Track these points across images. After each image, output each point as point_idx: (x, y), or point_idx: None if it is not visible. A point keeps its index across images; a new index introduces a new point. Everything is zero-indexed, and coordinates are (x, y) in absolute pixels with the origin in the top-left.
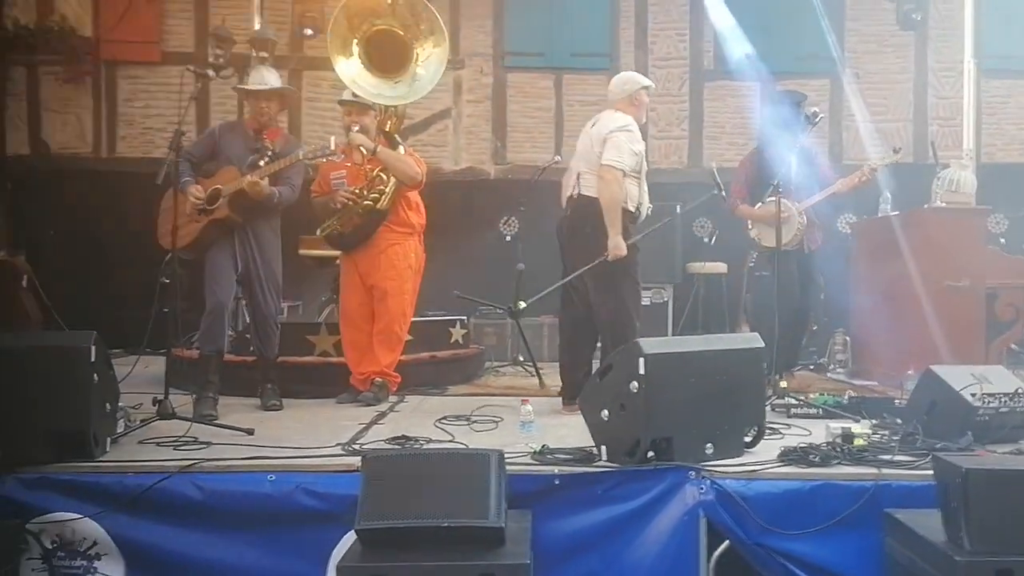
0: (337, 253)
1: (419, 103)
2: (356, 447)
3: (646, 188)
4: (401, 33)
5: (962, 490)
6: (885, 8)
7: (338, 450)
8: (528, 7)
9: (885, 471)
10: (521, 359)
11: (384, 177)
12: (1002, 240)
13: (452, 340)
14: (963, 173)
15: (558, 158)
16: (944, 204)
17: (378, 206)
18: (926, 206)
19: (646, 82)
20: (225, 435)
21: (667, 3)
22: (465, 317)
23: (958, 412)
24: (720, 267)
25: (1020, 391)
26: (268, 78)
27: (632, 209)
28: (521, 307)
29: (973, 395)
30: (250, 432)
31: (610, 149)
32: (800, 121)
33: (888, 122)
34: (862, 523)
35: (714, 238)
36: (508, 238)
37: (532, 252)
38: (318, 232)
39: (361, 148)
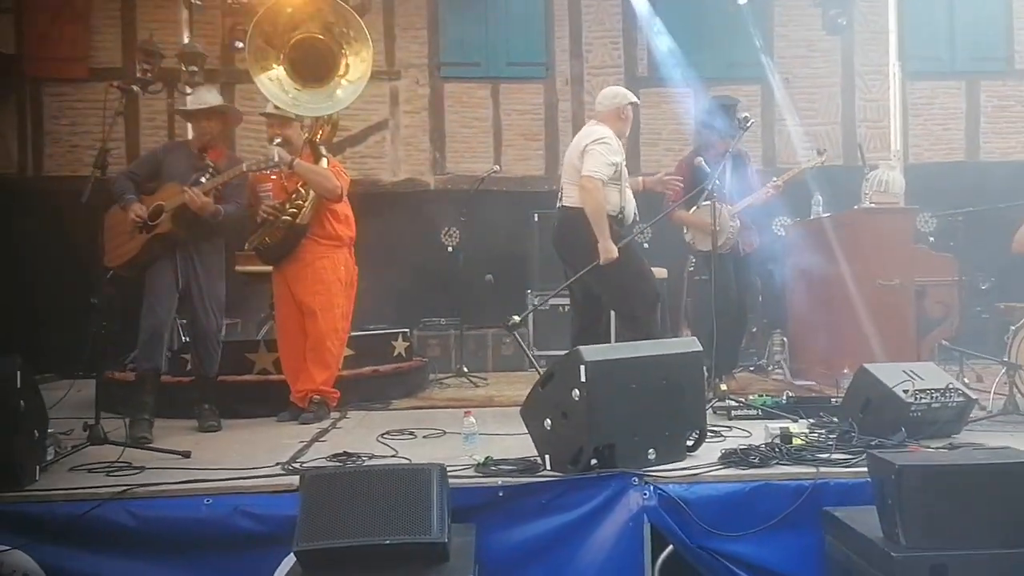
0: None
1: (356, 115)
2: (296, 466)
3: (629, 194)
4: (323, 38)
5: (896, 486)
6: (811, 14)
7: (277, 470)
8: (463, 17)
9: (823, 470)
10: (466, 370)
11: (303, 191)
12: (931, 238)
13: (395, 353)
14: (891, 174)
15: (496, 167)
16: (873, 204)
17: (297, 220)
18: (856, 207)
19: (633, 98)
20: (160, 459)
21: (600, 12)
22: (408, 330)
23: (892, 409)
24: (660, 272)
25: (951, 387)
26: (207, 97)
27: (615, 214)
28: (516, 321)
29: (905, 392)
30: (186, 455)
31: (588, 160)
32: (733, 126)
33: (818, 125)
34: (802, 522)
35: (649, 242)
36: (450, 248)
37: (474, 262)
38: (246, 246)
39: (279, 162)
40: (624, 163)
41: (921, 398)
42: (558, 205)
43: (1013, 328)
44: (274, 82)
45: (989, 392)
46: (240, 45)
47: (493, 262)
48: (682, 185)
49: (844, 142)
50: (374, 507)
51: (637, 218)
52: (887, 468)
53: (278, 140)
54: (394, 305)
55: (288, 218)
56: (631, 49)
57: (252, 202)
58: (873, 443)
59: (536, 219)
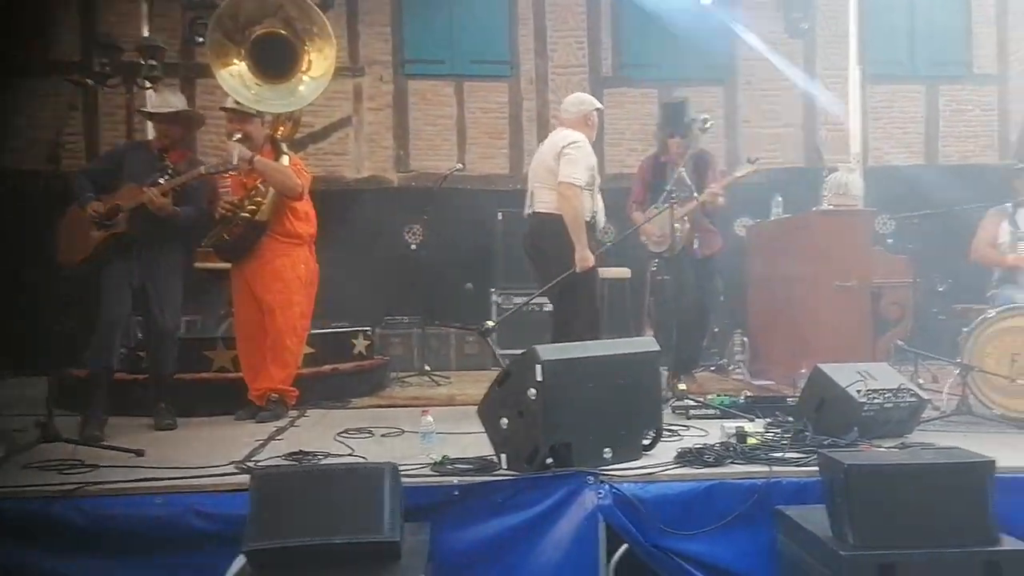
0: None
1: (318, 111)
2: (250, 465)
3: (600, 200)
4: (285, 33)
5: (845, 486)
6: (774, 16)
7: (231, 468)
8: (427, 15)
9: (776, 469)
10: (428, 368)
11: (262, 188)
12: (889, 240)
13: (355, 351)
14: (851, 176)
15: (459, 165)
16: (832, 206)
17: (256, 217)
18: (815, 209)
19: (598, 104)
20: (113, 457)
21: (564, 11)
22: (370, 328)
23: (845, 409)
24: (624, 272)
25: (903, 387)
26: (171, 100)
27: (588, 219)
28: (489, 326)
29: (859, 392)
30: (140, 453)
31: (566, 165)
32: (684, 126)
33: (780, 127)
34: (754, 520)
35: (608, 243)
36: (413, 246)
37: (437, 260)
38: (204, 242)
39: (239, 158)
40: (596, 170)
41: (874, 398)
42: (529, 211)
43: (966, 330)
44: (235, 77)
45: (943, 392)
46: (201, 40)
47: (457, 260)
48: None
49: (805, 144)
50: (325, 506)
51: (607, 225)
52: (837, 468)
53: (238, 136)
54: (356, 303)
55: (247, 215)
56: (596, 49)
57: (210, 198)
58: (826, 442)
59: (500, 218)
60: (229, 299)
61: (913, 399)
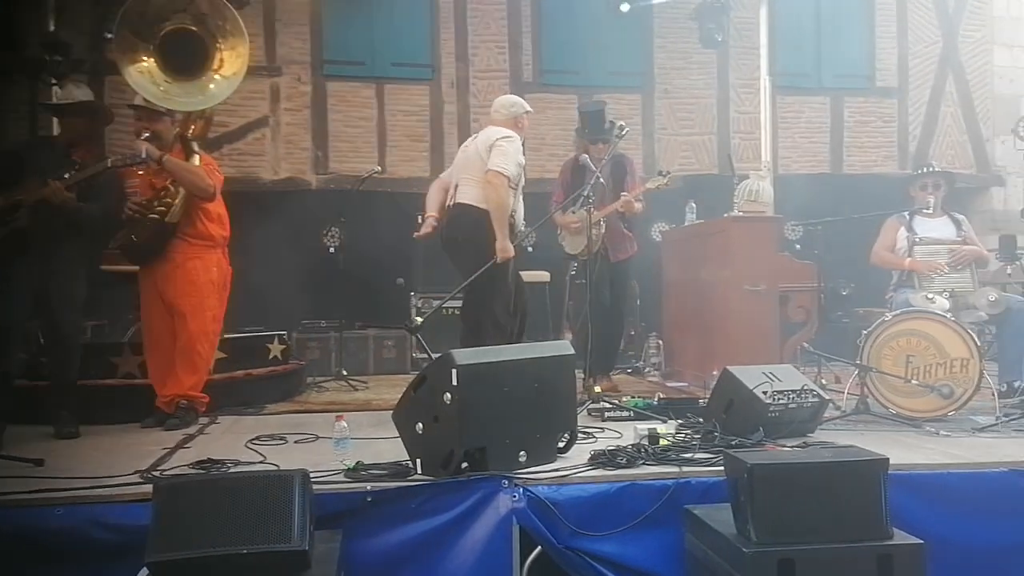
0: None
1: (234, 110)
2: (156, 474)
3: (521, 201)
4: (195, 30)
5: (748, 484)
6: (689, 27)
7: (136, 478)
8: (347, 16)
9: (686, 469)
10: (345, 373)
11: (172, 188)
12: (797, 246)
13: (270, 356)
14: (761, 183)
15: (378, 168)
16: (743, 213)
17: (166, 219)
18: (727, 215)
19: (528, 107)
20: (10, 467)
21: (486, 16)
22: (285, 332)
23: (752, 410)
24: (543, 275)
25: (806, 388)
26: (75, 93)
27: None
28: (418, 322)
29: (764, 393)
30: (39, 462)
31: (497, 155)
32: (601, 131)
33: (695, 135)
34: (664, 520)
35: (533, 247)
36: (331, 249)
37: (356, 264)
38: (111, 244)
39: (146, 157)
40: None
41: (779, 399)
42: (451, 202)
43: (865, 332)
44: (144, 75)
45: (844, 393)
46: (110, 35)
47: (376, 264)
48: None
49: (719, 152)
50: (232, 515)
51: (528, 230)
52: (740, 467)
53: (146, 135)
54: (273, 307)
55: (156, 216)
56: (516, 54)
57: (117, 198)
58: (733, 443)
59: (420, 221)
60: (137, 303)
61: (815, 399)
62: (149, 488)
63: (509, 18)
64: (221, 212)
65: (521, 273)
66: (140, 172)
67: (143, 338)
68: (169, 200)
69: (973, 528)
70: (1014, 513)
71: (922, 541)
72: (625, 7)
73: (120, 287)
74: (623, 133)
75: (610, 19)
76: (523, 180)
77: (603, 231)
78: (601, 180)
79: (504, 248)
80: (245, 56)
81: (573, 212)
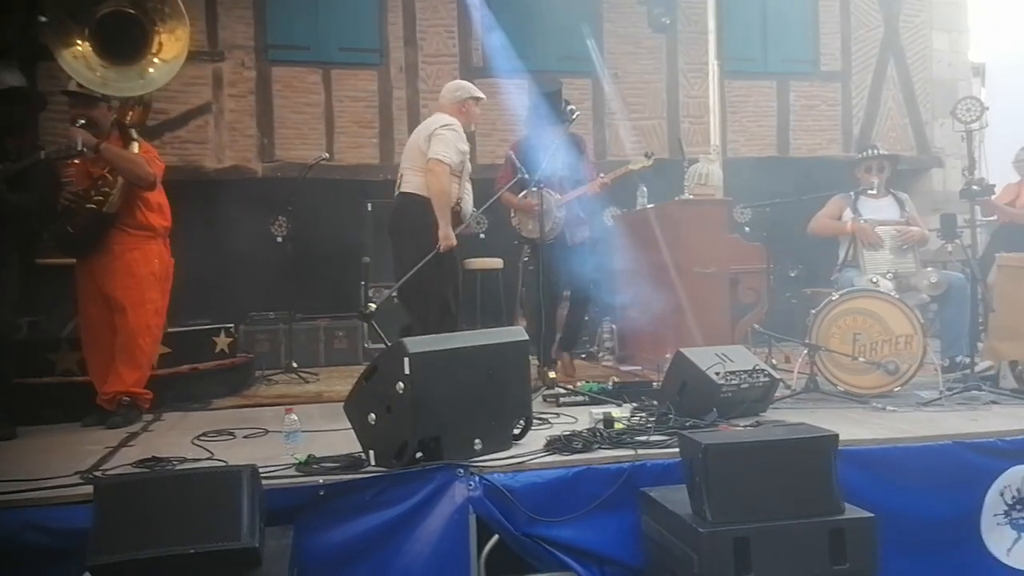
0: None
1: (175, 96)
2: (97, 474)
3: (469, 189)
4: (133, 12)
5: (703, 464)
6: (638, 12)
7: (76, 479)
8: None
9: (641, 452)
10: (295, 365)
11: (110, 177)
12: (747, 229)
13: (217, 350)
14: (710, 167)
15: (326, 155)
16: (693, 196)
17: (104, 209)
18: (678, 198)
19: (475, 92)
20: None
21: (434, 0)
22: (232, 325)
23: (705, 391)
24: (496, 262)
25: (757, 368)
26: (6, 78)
27: (452, 205)
28: (372, 309)
29: (717, 374)
30: None
31: (437, 144)
32: (559, 111)
33: (645, 120)
34: (621, 504)
35: (485, 233)
36: (279, 239)
37: (305, 254)
38: (45, 236)
39: (82, 146)
40: (468, 157)
41: (731, 379)
42: (397, 192)
43: (813, 312)
44: (79, 59)
45: (794, 372)
46: (44, 19)
47: (325, 253)
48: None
49: (669, 136)
50: (178, 514)
51: (479, 216)
52: (695, 448)
53: (82, 122)
54: (219, 299)
55: (93, 206)
56: (466, 39)
57: (51, 188)
58: (688, 424)
59: (370, 208)
60: (75, 297)
61: (767, 379)
62: (90, 489)
63: (458, 3)
64: (162, 201)
65: (474, 260)
66: (76, 160)
67: (81, 334)
68: (107, 190)
69: (920, 500)
70: (959, 483)
71: (872, 515)
72: None
73: (57, 281)
74: (573, 118)
75: (560, 3)
76: (469, 167)
77: (563, 216)
78: (557, 161)
79: (446, 236)
80: (185, 39)
81: (527, 195)
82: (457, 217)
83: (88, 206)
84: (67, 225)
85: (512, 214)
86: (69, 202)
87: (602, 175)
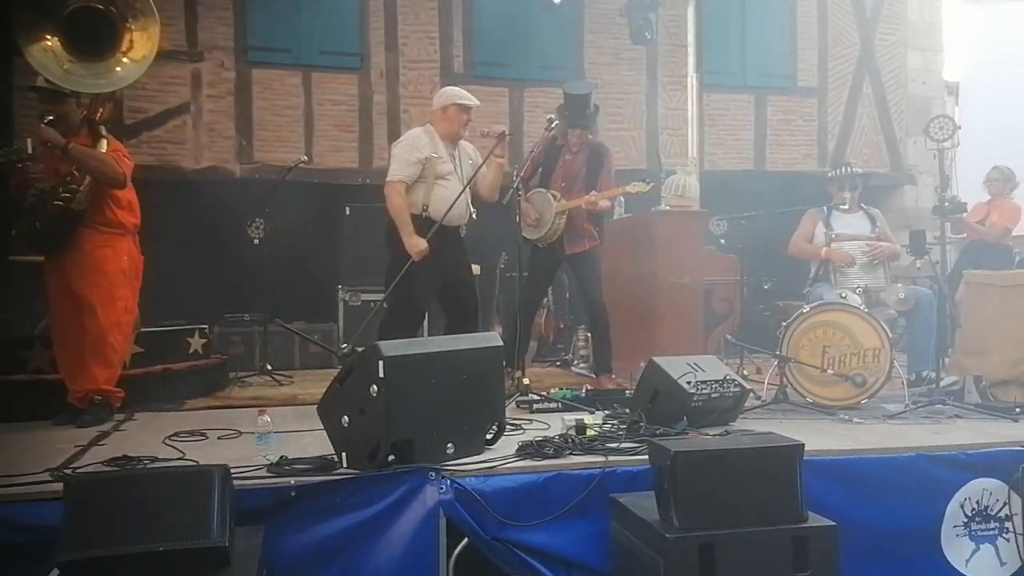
0: None
1: (153, 96)
2: (68, 472)
3: (444, 193)
4: (102, 8)
5: (671, 471)
6: (619, 23)
7: (46, 476)
8: (272, 1)
9: (611, 458)
10: (269, 368)
11: (77, 174)
12: (722, 240)
13: (190, 350)
14: (687, 179)
15: (304, 158)
16: (670, 207)
17: (72, 205)
18: (654, 209)
19: (458, 99)
20: None
21: (416, 6)
22: (206, 326)
23: (676, 399)
24: (474, 268)
25: (728, 378)
26: None
27: (416, 212)
28: (344, 351)
29: (689, 383)
30: None
31: (391, 164)
32: (592, 117)
33: (624, 131)
34: (590, 509)
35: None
36: (256, 241)
37: (282, 256)
38: (13, 232)
39: (49, 144)
40: (441, 159)
41: (702, 389)
42: None
43: (784, 324)
44: (47, 54)
45: (764, 382)
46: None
47: (302, 256)
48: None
49: (648, 147)
50: (148, 512)
51: (474, 216)
52: (664, 455)
53: (49, 118)
54: (195, 300)
55: (60, 203)
56: (447, 45)
57: (18, 185)
58: (658, 432)
59: (348, 212)
60: (47, 294)
61: (737, 389)
62: (60, 486)
63: (439, 8)
64: (132, 199)
65: None
66: (45, 155)
67: (52, 331)
68: (75, 187)
69: (883, 510)
70: (921, 494)
71: (835, 523)
72: (557, 0)
73: (30, 278)
74: (551, 127)
75: (541, 13)
76: (441, 168)
77: (562, 222)
78: (575, 167)
79: (411, 245)
80: (156, 38)
81: (538, 191)
82: (428, 221)
83: (55, 203)
84: (35, 221)
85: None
86: (36, 199)
87: (593, 193)
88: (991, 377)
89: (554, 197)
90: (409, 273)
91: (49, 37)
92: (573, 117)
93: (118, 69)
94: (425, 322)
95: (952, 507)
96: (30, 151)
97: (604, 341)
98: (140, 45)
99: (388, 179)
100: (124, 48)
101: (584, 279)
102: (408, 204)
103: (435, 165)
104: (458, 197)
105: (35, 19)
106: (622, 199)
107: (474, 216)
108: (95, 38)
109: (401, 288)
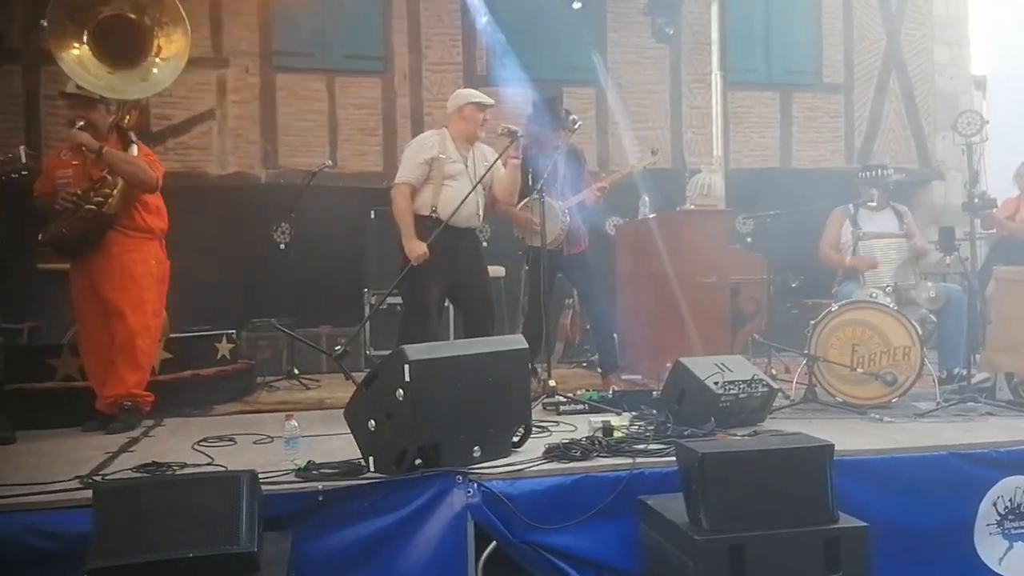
0: None
1: (178, 103)
2: (97, 478)
3: (452, 193)
4: (134, 17)
5: (699, 473)
6: (641, 22)
7: (75, 483)
8: (296, 5)
9: (639, 460)
10: (297, 372)
11: (110, 179)
12: (748, 239)
13: (219, 356)
14: (713, 177)
15: (329, 162)
16: (695, 206)
17: (104, 210)
18: (679, 208)
19: (477, 99)
20: None
21: (439, 8)
22: (234, 331)
23: (704, 400)
24: (499, 271)
25: (756, 378)
26: None
27: (426, 214)
28: (338, 351)
29: (716, 384)
30: None
31: (400, 167)
32: (560, 120)
33: (648, 130)
34: (619, 511)
35: (488, 240)
36: (282, 246)
37: (308, 260)
38: (40, 237)
39: (83, 148)
40: (450, 160)
41: (730, 389)
42: None
43: (812, 322)
44: (79, 62)
45: (793, 382)
46: (45, 23)
47: (328, 260)
48: None
49: (672, 146)
50: (177, 519)
51: (481, 219)
52: (692, 456)
53: (80, 124)
54: (222, 305)
55: (93, 207)
56: (470, 47)
57: (48, 189)
58: (686, 433)
59: (373, 216)
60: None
61: (765, 389)
62: (89, 493)
63: (462, 10)
64: (159, 204)
65: None
66: (75, 162)
67: (79, 338)
68: (107, 191)
69: (915, 509)
70: (953, 492)
71: (867, 524)
72: (577, 4)
73: (58, 286)
74: (575, 127)
75: (564, 13)
76: (450, 168)
77: (568, 221)
78: (558, 169)
79: (410, 248)
80: (186, 39)
81: (528, 203)
82: (437, 222)
83: (88, 207)
84: (63, 227)
85: (514, 225)
86: (69, 203)
87: (601, 180)
88: (1023, 374)
89: (551, 200)
90: (418, 274)
91: (78, 45)
92: (554, 121)
93: (153, 71)
94: (451, 326)
95: (985, 505)
96: (23, 160)
97: (609, 340)
98: (170, 52)
99: (396, 181)
100: (155, 52)
101: (585, 278)
102: (412, 207)
103: (442, 166)
104: (466, 197)
105: (65, 27)
106: (647, 200)
107: (479, 218)
108: (125, 47)
109: (411, 289)
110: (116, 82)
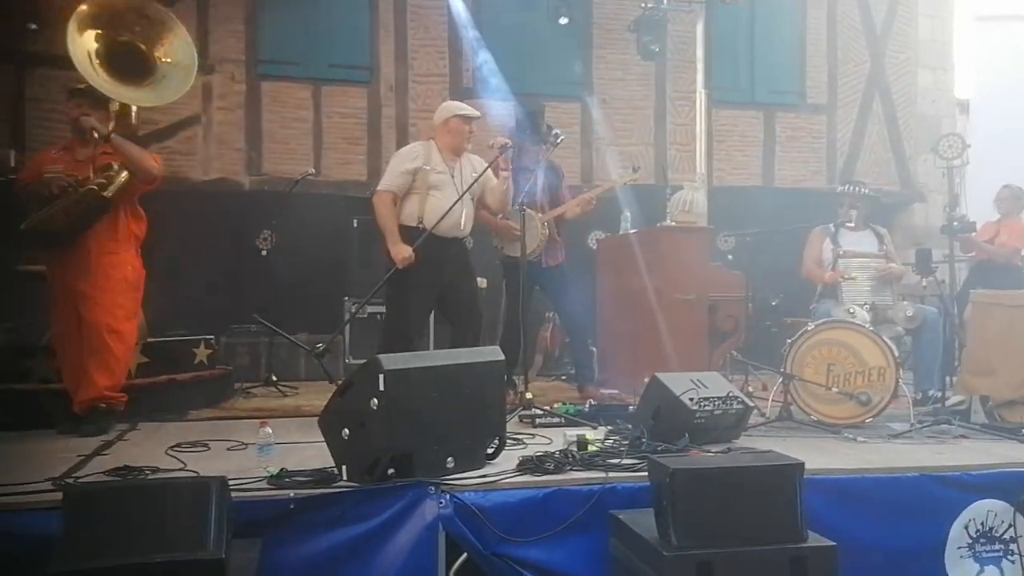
0: None
1: (164, 108)
2: (68, 481)
3: (438, 204)
4: (144, 48)
5: (670, 489)
6: (627, 39)
7: (47, 485)
8: (283, 15)
9: (612, 474)
10: (275, 379)
11: (115, 166)
12: (730, 256)
13: (196, 361)
14: (695, 194)
15: (312, 170)
16: (676, 223)
17: (104, 192)
18: (659, 224)
19: (462, 111)
20: None
21: (426, 20)
22: (212, 336)
23: (679, 416)
24: (480, 281)
25: (731, 395)
26: None
27: (412, 225)
28: (320, 349)
29: (691, 400)
30: None
31: (383, 176)
32: (542, 133)
33: (632, 145)
34: (590, 525)
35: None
36: (264, 252)
37: (289, 267)
38: (24, 225)
39: (94, 132)
40: (434, 170)
41: (705, 406)
42: None
43: (789, 341)
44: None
45: (769, 400)
46: (34, 27)
47: (309, 268)
48: None
49: (656, 163)
50: (145, 523)
51: (467, 229)
52: (663, 472)
53: (86, 117)
54: (202, 310)
55: (95, 187)
56: (456, 59)
57: (29, 178)
58: (659, 448)
59: (356, 225)
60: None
61: (740, 406)
62: (60, 496)
63: (449, 23)
64: (142, 211)
65: None
66: (67, 158)
67: (54, 340)
68: (111, 174)
69: (886, 530)
70: (925, 514)
71: (835, 543)
72: (564, 20)
73: (36, 287)
74: (558, 142)
75: (550, 28)
76: (435, 178)
77: (547, 234)
78: (538, 181)
79: (395, 252)
80: (191, 69)
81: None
82: (421, 233)
83: (90, 187)
84: (58, 211)
85: (492, 233)
86: (68, 185)
87: (585, 189)
88: (998, 397)
89: (531, 213)
90: (403, 283)
91: (93, 56)
92: (531, 134)
93: (157, 89)
94: (431, 336)
95: (956, 528)
96: (12, 164)
97: (586, 353)
98: (175, 74)
99: (379, 189)
100: (161, 71)
101: (562, 290)
102: (395, 213)
103: (427, 176)
104: (451, 207)
105: (82, 40)
106: (628, 215)
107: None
108: (134, 66)
109: (394, 298)
110: (124, 90)
